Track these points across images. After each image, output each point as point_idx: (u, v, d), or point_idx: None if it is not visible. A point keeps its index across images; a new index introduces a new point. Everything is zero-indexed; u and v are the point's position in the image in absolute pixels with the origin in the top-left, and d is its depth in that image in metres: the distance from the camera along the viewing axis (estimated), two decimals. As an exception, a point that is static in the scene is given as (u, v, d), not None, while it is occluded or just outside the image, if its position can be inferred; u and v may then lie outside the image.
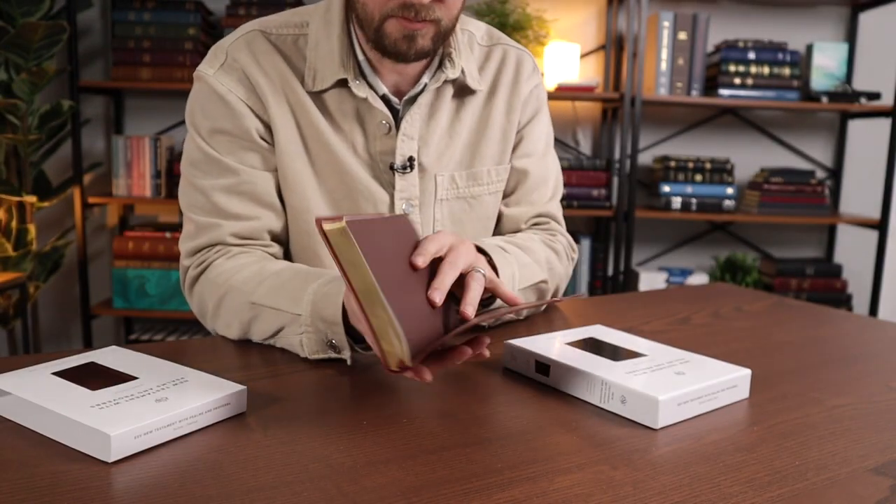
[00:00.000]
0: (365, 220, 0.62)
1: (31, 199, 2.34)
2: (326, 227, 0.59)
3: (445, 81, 0.94)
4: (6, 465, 0.52)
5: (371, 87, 0.91)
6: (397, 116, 0.93)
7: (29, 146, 2.33)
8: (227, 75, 0.89)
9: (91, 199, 2.45)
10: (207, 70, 0.90)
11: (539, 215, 1.04)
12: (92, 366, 0.66)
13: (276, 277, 0.82)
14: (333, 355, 0.76)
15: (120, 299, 2.51)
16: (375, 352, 0.63)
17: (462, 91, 0.97)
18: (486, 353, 0.66)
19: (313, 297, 0.77)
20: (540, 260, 0.94)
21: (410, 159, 0.93)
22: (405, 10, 0.81)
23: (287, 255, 0.96)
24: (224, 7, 2.57)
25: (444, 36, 0.86)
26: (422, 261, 0.65)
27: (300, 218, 0.93)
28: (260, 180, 0.90)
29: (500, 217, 1.04)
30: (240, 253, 0.89)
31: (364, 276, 0.59)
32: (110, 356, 0.69)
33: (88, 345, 2.52)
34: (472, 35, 1.00)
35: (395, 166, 0.93)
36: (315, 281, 0.79)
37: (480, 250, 0.84)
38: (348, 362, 0.76)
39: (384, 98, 0.92)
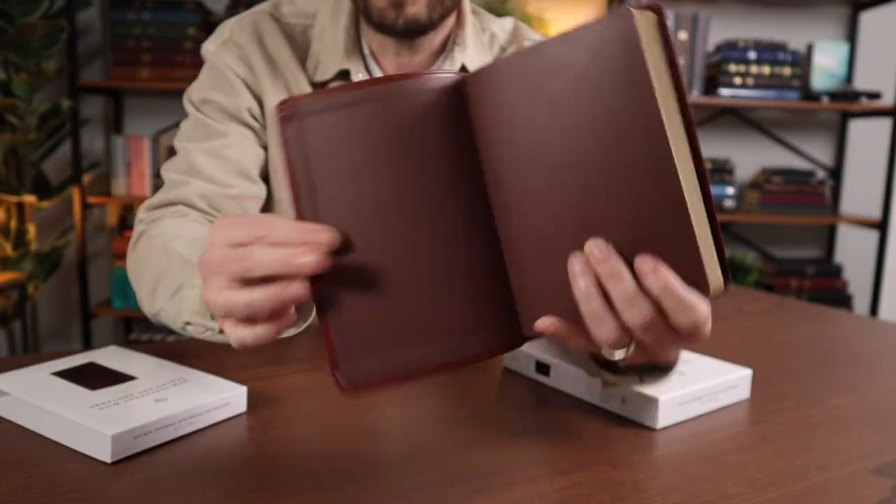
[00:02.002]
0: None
1: (30, 198, 2.34)
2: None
3: None
4: (6, 465, 0.51)
5: None
6: None
7: (28, 146, 2.33)
8: (228, 52, 0.88)
9: (90, 199, 2.45)
10: (209, 47, 0.89)
11: None
12: (91, 366, 0.66)
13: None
14: (210, 324, 0.64)
15: (119, 299, 2.51)
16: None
17: None
18: None
19: None
20: None
21: None
22: None
23: None
24: (224, 7, 2.56)
25: (444, 5, 0.80)
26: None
27: (286, 212, 0.89)
28: (245, 152, 0.86)
29: None
30: (199, 220, 0.79)
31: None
32: (110, 356, 0.69)
33: (88, 345, 2.52)
34: (494, 36, 0.96)
35: None
36: None
37: None
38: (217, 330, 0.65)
39: None
